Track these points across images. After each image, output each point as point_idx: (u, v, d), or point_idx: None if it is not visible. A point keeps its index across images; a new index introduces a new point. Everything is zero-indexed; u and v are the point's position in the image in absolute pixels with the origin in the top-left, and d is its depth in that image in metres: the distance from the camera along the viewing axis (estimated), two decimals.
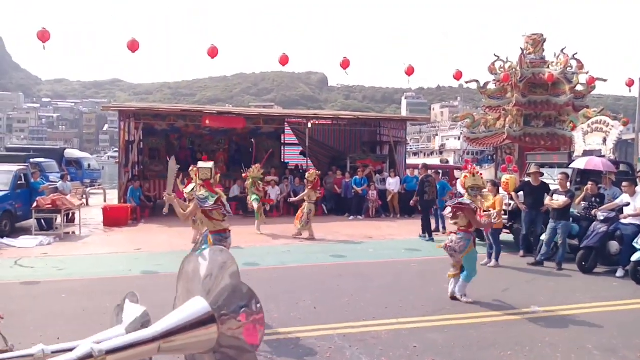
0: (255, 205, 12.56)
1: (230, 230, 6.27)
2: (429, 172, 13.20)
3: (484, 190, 10.18)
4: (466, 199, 7.04)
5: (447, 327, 5.88)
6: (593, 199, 9.47)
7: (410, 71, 13.96)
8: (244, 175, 13.32)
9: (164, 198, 6.16)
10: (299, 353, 5.02)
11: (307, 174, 12.99)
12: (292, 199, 13.65)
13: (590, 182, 9.58)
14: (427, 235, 12.30)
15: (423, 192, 12.45)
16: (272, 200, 14.34)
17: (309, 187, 12.43)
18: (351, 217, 15.97)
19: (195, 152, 19.51)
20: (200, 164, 6.43)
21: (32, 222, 12.24)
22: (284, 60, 12.87)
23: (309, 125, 18.64)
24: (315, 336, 5.48)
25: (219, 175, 6.56)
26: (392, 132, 19.66)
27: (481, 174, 7.58)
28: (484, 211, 9.55)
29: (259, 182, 12.78)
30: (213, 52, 12.37)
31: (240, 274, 7.25)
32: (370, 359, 4.91)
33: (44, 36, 10.99)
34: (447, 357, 4.98)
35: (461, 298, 6.85)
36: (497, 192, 9.68)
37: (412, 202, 12.90)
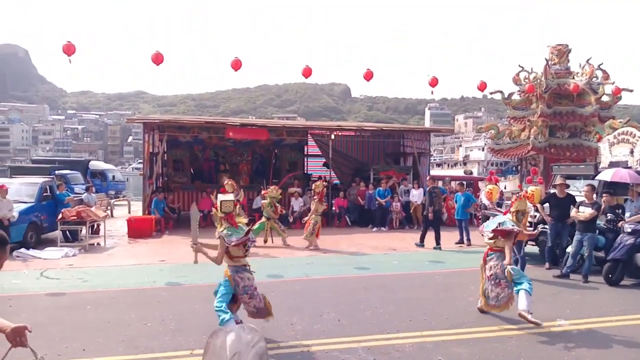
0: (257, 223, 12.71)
1: (249, 266, 5.87)
2: (453, 183, 13.20)
3: (509, 202, 10.11)
4: (510, 223, 6.74)
5: (472, 341, 5.84)
6: (619, 210, 9.38)
7: (434, 82, 13.97)
8: (263, 192, 13.44)
9: (191, 247, 5.79)
10: None
11: (314, 185, 13.10)
12: (305, 219, 13.35)
13: (604, 194, 9.56)
14: (422, 242, 12.83)
15: (431, 202, 12.86)
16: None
17: (315, 200, 12.69)
18: (375, 229, 15.95)
19: (218, 163, 19.78)
20: (221, 197, 5.94)
21: (57, 234, 12.42)
22: (307, 73, 12.99)
23: (332, 136, 18.71)
24: (339, 349, 5.49)
25: (238, 206, 6.34)
26: (416, 143, 19.61)
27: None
28: None
29: (277, 203, 12.85)
30: (237, 65, 12.56)
31: (264, 286, 7.26)
32: None
33: (69, 49, 11.14)
34: None
35: (528, 315, 6.19)
36: None
37: (429, 215, 12.87)
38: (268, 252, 11.93)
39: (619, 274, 8.74)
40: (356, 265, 10.47)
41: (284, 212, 13.18)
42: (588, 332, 6.16)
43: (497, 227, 6.67)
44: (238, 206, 6.28)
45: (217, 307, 5.45)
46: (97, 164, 31.87)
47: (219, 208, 5.77)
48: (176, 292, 8.18)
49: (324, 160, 21.04)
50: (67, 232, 12.62)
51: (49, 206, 13.09)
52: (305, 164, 21.47)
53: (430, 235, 12.64)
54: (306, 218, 13.13)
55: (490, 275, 6.50)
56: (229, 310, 5.46)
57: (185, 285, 8.55)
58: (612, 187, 10.46)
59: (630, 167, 10.81)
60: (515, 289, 6.43)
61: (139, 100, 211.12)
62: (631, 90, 19.04)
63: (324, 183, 13.39)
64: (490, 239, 6.77)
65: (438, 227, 12.83)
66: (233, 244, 5.55)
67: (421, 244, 12.81)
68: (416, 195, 16.46)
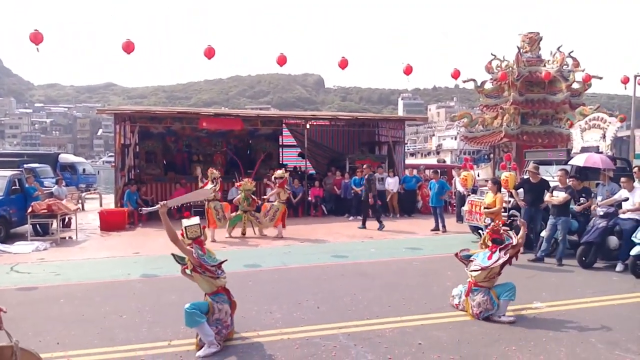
0: (234, 214, 12.64)
1: (227, 290, 5.50)
2: (427, 171, 13.23)
3: (484, 188, 10.21)
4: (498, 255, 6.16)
5: (451, 324, 5.88)
6: (584, 195, 9.69)
7: (408, 70, 13.95)
8: (237, 185, 13.33)
9: (159, 204, 5.37)
10: (304, 353, 4.99)
11: (277, 173, 13.15)
12: (265, 197, 13.50)
13: (571, 179, 9.86)
14: (363, 225, 13.91)
15: (369, 188, 13.75)
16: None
17: (277, 185, 12.72)
18: (351, 218, 15.95)
19: (192, 154, 19.51)
20: (185, 222, 5.49)
21: (27, 228, 12.10)
22: (282, 61, 12.82)
23: (308, 126, 18.60)
24: (319, 335, 5.46)
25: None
26: (391, 132, 19.67)
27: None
28: (485, 208, 9.60)
29: (252, 195, 12.74)
30: (210, 53, 12.31)
31: (242, 276, 7.17)
32: (376, 357, 4.89)
33: (36, 38, 10.74)
34: (452, 353, 4.97)
35: (500, 318, 5.97)
36: (499, 190, 9.72)
37: (370, 199, 13.75)
38: (245, 243, 11.85)
39: (592, 256, 8.93)
40: (334, 253, 10.44)
41: (259, 202, 13.07)
42: (564, 313, 6.26)
43: (496, 260, 6.14)
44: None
45: (189, 309, 5.04)
46: (66, 157, 31.00)
47: (184, 235, 5.38)
48: (152, 283, 8.03)
49: (299, 150, 20.95)
50: (38, 226, 12.31)
51: (18, 200, 12.70)
52: (281, 154, 21.36)
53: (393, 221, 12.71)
54: (265, 197, 13.27)
55: (480, 312, 6.03)
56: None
57: (161, 277, 8.40)
58: (585, 172, 10.68)
59: (601, 152, 11.01)
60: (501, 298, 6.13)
61: (109, 93, 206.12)
62: (600, 78, 19.40)
63: (285, 172, 13.70)
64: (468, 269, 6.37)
65: (375, 209, 13.99)
66: (202, 262, 5.21)
67: (363, 226, 13.86)
68: (392, 184, 16.56)
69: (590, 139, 11.83)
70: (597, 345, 5.18)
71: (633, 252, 8.16)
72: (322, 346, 5.16)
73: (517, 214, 7.69)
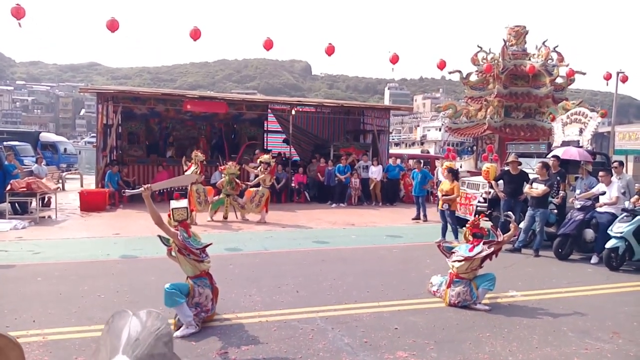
0: (216, 197, 12.61)
1: (210, 275, 5.50)
2: (410, 161, 13.28)
3: (466, 179, 10.33)
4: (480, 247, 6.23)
5: (427, 310, 5.97)
6: (559, 177, 10.02)
7: (394, 59, 13.96)
8: (221, 168, 13.28)
9: (142, 187, 5.32)
10: (281, 335, 5.04)
11: (264, 157, 13.20)
12: (249, 183, 13.49)
13: (553, 158, 10.06)
14: None
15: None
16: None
17: (267, 172, 12.73)
18: (333, 205, 16.02)
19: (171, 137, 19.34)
20: (174, 204, 5.53)
21: (5, 206, 11.89)
22: (268, 45, 12.74)
23: (293, 112, 18.54)
24: (297, 319, 5.51)
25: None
26: (376, 120, 19.68)
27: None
28: (444, 195, 9.87)
29: (236, 179, 12.70)
30: (195, 34, 12.20)
31: (222, 259, 7.13)
32: (352, 340, 4.96)
33: (18, 13, 10.50)
34: (427, 338, 5.06)
35: (476, 305, 6.07)
36: (454, 179, 9.96)
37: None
38: (227, 227, 11.84)
39: (568, 248, 9.10)
40: (315, 239, 10.49)
41: (244, 186, 13.04)
42: (538, 303, 6.38)
43: (479, 252, 6.19)
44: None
45: (169, 289, 5.06)
46: (48, 136, 30.54)
47: (171, 216, 5.46)
48: (131, 264, 8.01)
49: (284, 136, 20.88)
50: (16, 205, 12.07)
51: None
52: (265, 140, 21.27)
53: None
54: (249, 183, 13.28)
55: (457, 302, 6.10)
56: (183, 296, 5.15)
57: (140, 258, 8.39)
58: (564, 165, 10.84)
59: (581, 147, 11.18)
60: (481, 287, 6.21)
61: (92, 72, 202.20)
62: (584, 73, 19.64)
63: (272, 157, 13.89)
64: (450, 259, 6.41)
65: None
66: (187, 244, 5.24)
67: None
68: (375, 172, 16.62)
69: (571, 133, 12.00)
70: (568, 334, 5.31)
71: (608, 245, 8.33)
72: (299, 329, 5.21)
73: (512, 215, 7.89)
